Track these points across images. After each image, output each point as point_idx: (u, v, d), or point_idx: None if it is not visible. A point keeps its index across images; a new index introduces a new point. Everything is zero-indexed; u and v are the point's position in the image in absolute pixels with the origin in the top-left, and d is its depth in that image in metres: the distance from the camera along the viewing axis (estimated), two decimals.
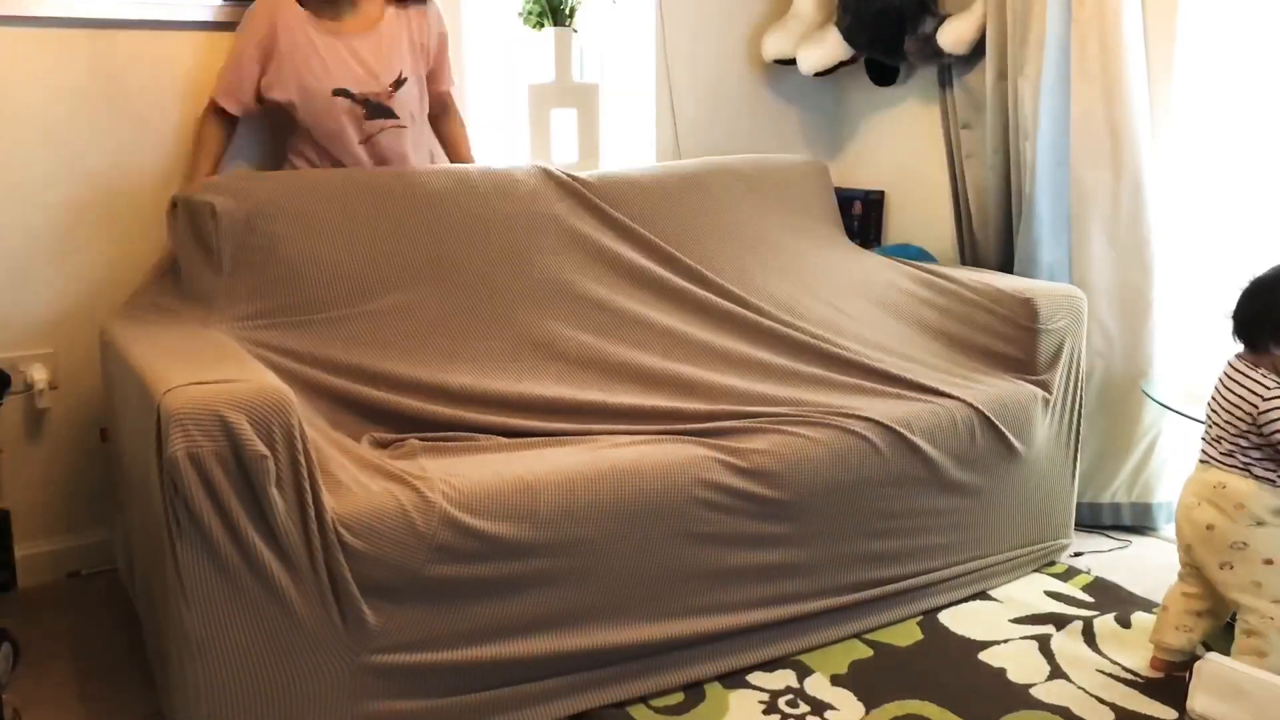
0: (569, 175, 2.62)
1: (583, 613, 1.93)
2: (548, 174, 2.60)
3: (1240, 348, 2.01)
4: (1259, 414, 1.93)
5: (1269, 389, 1.93)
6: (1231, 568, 1.97)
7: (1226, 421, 1.99)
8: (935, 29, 2.83)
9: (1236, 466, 1.98)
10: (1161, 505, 2.77)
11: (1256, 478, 1.96)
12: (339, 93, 2.41)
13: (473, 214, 2.45)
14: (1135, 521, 2.78)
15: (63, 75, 2.39)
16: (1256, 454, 1.96)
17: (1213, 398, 2.03)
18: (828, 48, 3.08)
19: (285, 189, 2.28)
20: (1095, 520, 2.78)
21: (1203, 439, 2.06)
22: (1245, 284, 2.00)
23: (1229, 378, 2.00)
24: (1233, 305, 2.00)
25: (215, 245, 2.18)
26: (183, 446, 1.55)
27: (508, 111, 3.06)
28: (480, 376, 2.24)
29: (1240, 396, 1.96)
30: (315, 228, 2.27)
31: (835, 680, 2.08)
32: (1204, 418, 2.07)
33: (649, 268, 2.58)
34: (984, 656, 2.17)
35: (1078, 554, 2.63)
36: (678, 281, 2.58)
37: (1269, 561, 1.95)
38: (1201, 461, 2.05)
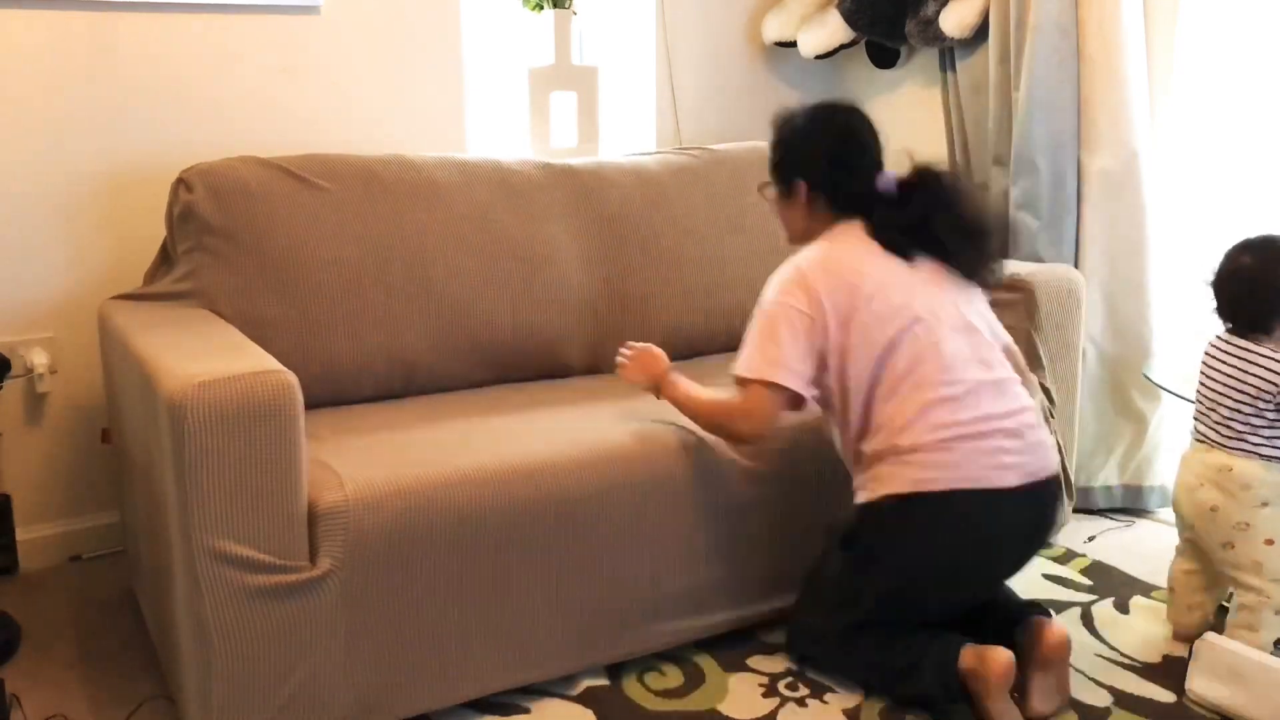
0: (560, 165, 2.61)
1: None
2: (546, 166, 2.59)
3: (1224, 327, 2.01)
4: None
5: None
6: (1233, 547, 1.99)
7: (1239, 403, 1.96)
8: (937, 12, 2.81)
9: (1245, 449, 1.97)
10: (1154, 489, 2.78)
11: (1265, 458, 1.96)
12: None
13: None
14: (1126, 504, 2.79)
15: (63, 58, 2.38)
16: (1270, 433, 1.95)
17: (1210, 379, 2.01)
18: (829, 30, 3.06)
19: (277, 172, 2.28)
20: (1086, 504, 2.78)
21: (1200, 421, 2.05)
22: (1227, 263, 1.98)
23: (1230, 357, 1.97)
24: (1218, 286, 1.99)
25: (212, 224, 2.18)
26: (195, 438, 1.56)
27: (507, 95, 3.05)
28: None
29: (1259, 376, 1.93)
30: (304, 209, 2.26)
31: None
32: (1196, 400, 2.05)
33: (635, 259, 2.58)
34: None
35: (1091, 538, 2.64)
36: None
37: (1270, 542, 1.96)
38: (1200, 442, 2.04)
